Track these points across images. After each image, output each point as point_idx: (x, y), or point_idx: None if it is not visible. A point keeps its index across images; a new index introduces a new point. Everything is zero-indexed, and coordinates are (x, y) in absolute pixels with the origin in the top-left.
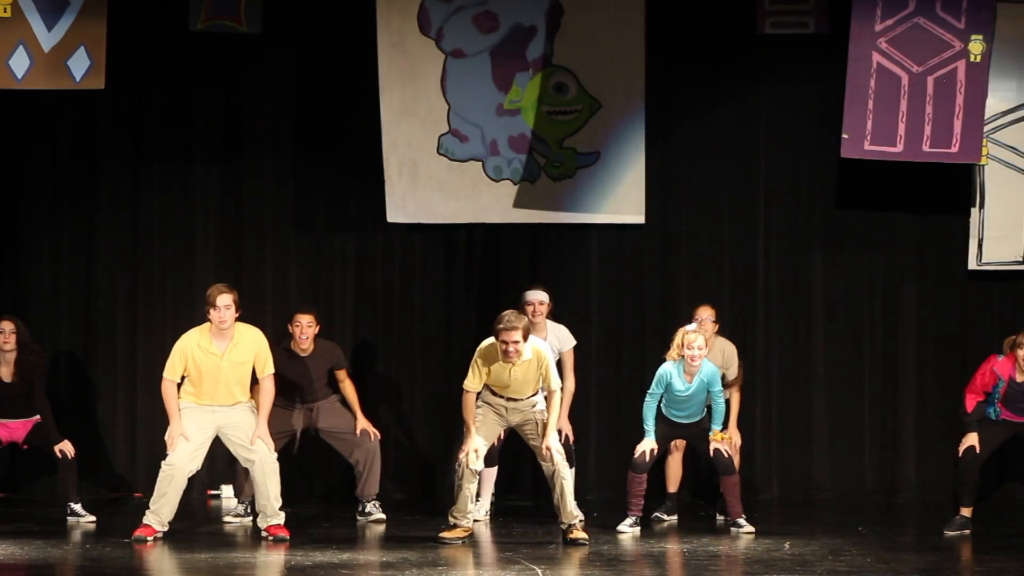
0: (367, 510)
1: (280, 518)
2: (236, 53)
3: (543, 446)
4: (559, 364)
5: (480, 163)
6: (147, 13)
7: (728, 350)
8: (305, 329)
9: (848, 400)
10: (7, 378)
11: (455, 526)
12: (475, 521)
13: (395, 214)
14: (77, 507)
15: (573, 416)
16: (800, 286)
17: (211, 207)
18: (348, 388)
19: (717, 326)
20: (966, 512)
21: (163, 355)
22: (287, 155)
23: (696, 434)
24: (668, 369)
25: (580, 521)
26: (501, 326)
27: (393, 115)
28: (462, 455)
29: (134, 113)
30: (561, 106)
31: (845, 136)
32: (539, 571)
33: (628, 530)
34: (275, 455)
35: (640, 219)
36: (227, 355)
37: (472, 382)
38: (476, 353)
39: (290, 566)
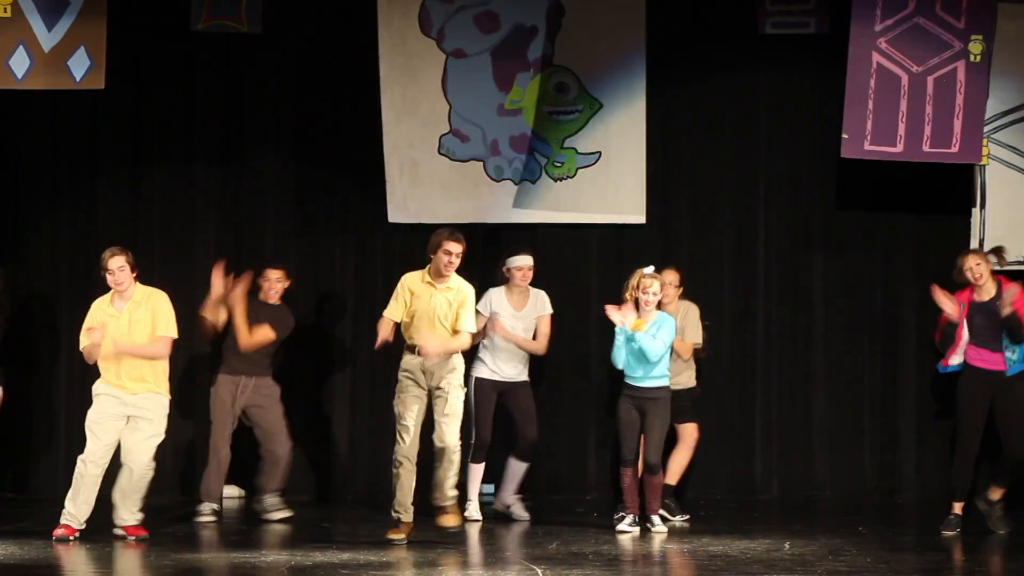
0: (266, 504)
1: (138, 518)
2: (236, 53)
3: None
4: (536, 330)
5: (481, 163)
6: (147, 13)
7: (692, 313)
8: (274, 284)
9: (848, 400)
10: None
11: (399, 522)
12: (473, 521)
13: (396, 214)
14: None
15: (575, 415)
16: (800, 286)
17: (211, 207)
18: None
19: (681, 289)
20: (958, 508)
21: None
22: (287, 155)
23: (647, 410)
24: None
25: (452, 504)
26: (447, 234)
27: (394, 115)
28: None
29: (134, 113)
30: (562, 106)
31: (845, 136)
32: (539, 571)
33: (628, 529)
34: (152, 466)
35: (641, 219)
36: (126, 313)
37: (391, 309)
38: (399, 282)
39: (290, 566)
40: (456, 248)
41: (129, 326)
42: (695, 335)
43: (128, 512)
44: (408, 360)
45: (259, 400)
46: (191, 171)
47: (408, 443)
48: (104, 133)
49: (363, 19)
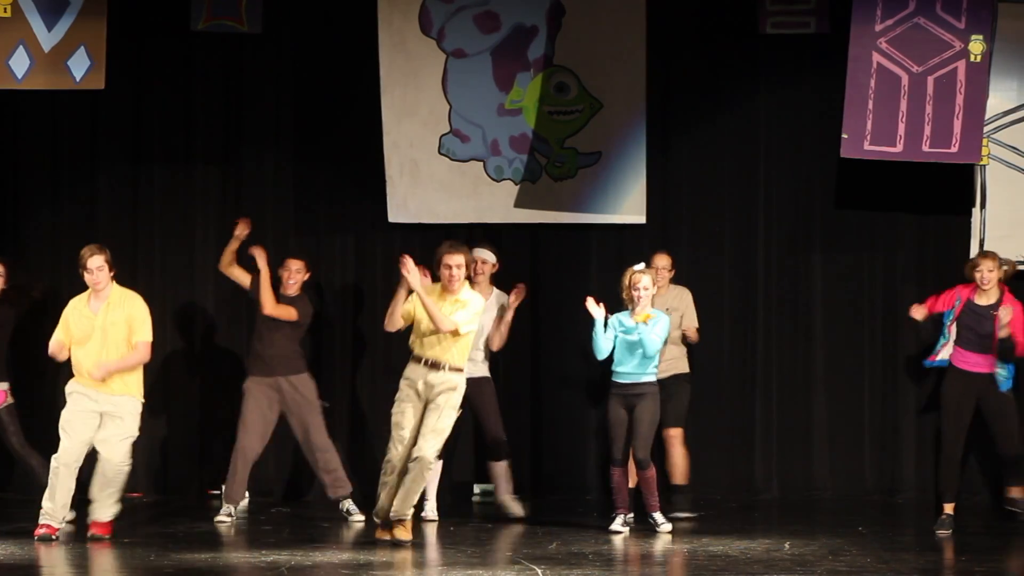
0: (347, 509)
1: (113, 513)
2: (236, 53)
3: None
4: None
5: (481, 163)
6: (147, 13)
7: (685, 296)
8: (293, 275)
9: (848, 400)
10: None
11: (382, 525)
12: (429, 521)
13: (396, 214)
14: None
15: (574, 415)
16: (800, 286)
17: (211, 207)
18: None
19: (672, 272)
20: (949, 509)
21: (163, 355)
22: (287, 155)
23: (636, 405)
24: (617, 315)
25: (408, 518)
26: (444, 249)
27: (394, 115)
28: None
29: (134, 113)
30: (562, 106)
31: (845, 136)
32: (539, 571)
33: (620, 529)
34: (128, 463)
35: (641, 219)
36: (101, 315)
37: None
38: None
39: (290, 566)
40: (453, 260)
41: (104, 328)
42: (693, 318)
43: (103, 509)
44: (412, 369)
45: (298, 402)
46: (191, 171)
47: (401, 452)
48: (104, 133)
49: (363, 19)
